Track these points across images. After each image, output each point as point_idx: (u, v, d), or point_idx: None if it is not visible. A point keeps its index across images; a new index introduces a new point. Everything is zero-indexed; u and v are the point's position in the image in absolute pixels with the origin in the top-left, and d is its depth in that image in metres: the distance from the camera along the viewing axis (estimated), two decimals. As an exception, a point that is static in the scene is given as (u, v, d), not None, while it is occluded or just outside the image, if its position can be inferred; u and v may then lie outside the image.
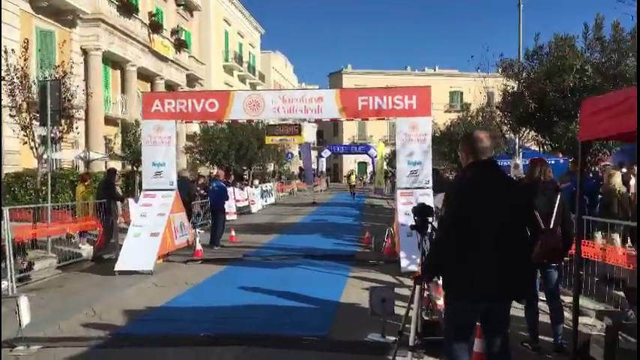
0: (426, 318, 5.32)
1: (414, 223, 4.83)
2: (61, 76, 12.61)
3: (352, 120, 11.24)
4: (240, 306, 7.09)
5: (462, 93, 64.21)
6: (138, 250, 9.48)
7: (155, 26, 30.01)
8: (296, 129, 10.71)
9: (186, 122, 11.32)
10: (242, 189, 23.43)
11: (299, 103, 10.51)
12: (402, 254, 9.42)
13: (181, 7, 36.30)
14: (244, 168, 34.61)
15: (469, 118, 24.88)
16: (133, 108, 26.34)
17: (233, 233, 14.16)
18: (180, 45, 34.05)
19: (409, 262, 9.22)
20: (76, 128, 13.12)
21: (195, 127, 31.39)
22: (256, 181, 29.43)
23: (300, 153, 47.21)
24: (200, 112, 10.59)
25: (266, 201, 27.44)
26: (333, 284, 8.50)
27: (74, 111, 12.89)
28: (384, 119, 11.35)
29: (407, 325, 4.57)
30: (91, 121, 24.00)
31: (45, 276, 9.79)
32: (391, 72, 67.85)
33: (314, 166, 56.78)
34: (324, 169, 54.15)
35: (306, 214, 22.03)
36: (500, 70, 13.85)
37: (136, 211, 10.29)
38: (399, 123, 10.46)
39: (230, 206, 20.86)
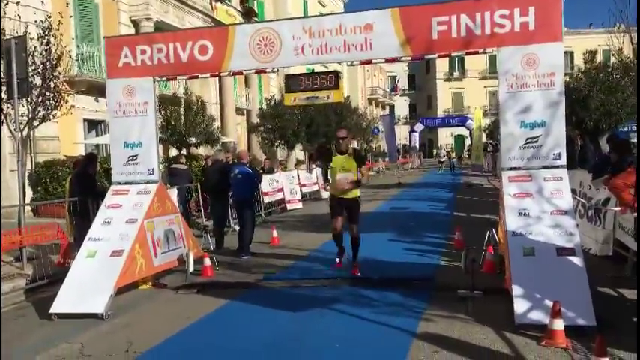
0: None
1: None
2: (46, 32, 9.62)
3: (421, 59, 6.87)
4: None
5: (572, 54, 55.16)
6: (87, 280, 6.09)
7: (218, -7, 27.00)
8: (331, 80, 6.54)
9: (168, 79, 7.64)
10: (310, 172, 19.81)
11: (334, 37, 6.49)
12: (515, 289, 5.21)
13: (253, -28, 33.12)
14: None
15: (593, 71, 18.93)
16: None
17: (275, 234, 10.60)
18: (249, 14, 30.85)
19: (530, 304, 5.02)
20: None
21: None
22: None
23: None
24: (187, 62, 6.90)
25: (343, 184, 23.52)
26: (382, 352, 4.55)
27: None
28: (478, 54, 6.74)
29: None
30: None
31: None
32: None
33: (405, 142, 52.10)
34: (417, 145, 49.21)
35: (386, 200, 17.92)
36: None
37: (99, 217, 6.86)
38: (504, 57, 6.10)
39: (293, 193, 17.53)
